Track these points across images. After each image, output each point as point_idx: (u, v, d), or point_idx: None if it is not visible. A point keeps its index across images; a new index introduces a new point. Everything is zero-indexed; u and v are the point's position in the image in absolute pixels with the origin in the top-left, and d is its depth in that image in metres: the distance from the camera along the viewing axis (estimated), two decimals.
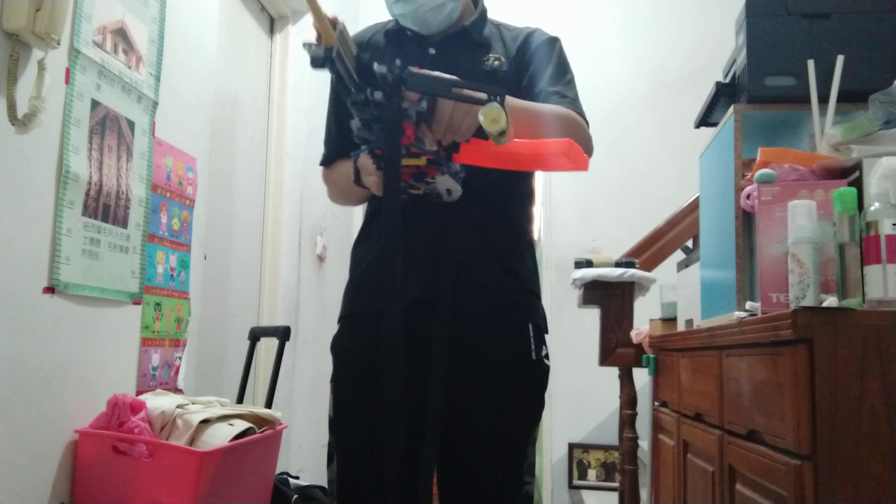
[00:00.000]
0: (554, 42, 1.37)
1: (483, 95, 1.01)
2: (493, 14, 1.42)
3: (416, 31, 1.33)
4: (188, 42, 2.08)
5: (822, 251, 1.15)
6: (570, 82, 1.34)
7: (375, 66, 0.98)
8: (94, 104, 1.64)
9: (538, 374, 1.27)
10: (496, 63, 1.31)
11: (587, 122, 1.31)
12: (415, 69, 1.01)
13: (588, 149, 1.29)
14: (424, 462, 1.15)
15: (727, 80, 1.75)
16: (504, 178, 1.24)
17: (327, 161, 1.42)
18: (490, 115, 0.99)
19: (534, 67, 1.33)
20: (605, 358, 2.38)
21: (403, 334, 1.05)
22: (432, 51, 1.33)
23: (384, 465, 1.09)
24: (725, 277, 1.51)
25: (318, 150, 1.44)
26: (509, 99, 1.07)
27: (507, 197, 1.30)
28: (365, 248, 1.34)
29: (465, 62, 1.29)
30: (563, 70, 1.34)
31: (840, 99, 1.44)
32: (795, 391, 1.01)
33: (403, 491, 1.17)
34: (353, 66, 0.98)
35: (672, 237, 2.53)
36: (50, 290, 1.51)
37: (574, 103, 1.30)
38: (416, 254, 1.21)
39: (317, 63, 0.93)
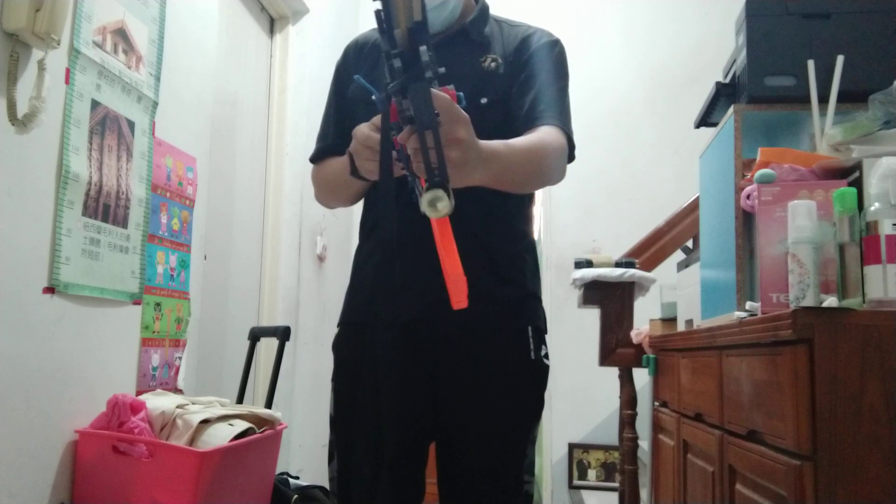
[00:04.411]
0: (553, 46, 1.31)
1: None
2: (493, 13, 1.40)
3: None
4: (188, 42, 2.08)
5: (822, 251, 1.15)
6: (561, 91, 1.28)
7: (422, 49, 0.86)
8: (94, 104, 1.64)
9: (537, 374, 1.27)
10: (493, 64, 1.28)
11: (570, 136, 1.25)
12: (438, 89, 0.92)
13: (554, 177, 1.24)
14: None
15: (727, 80, 1.75)
16: None
17: (320, 155, 1.36)
18: (429, 201, 0.88)
19: (526, 73, 1.28)
20: (605, 358, 2.38)
21: (401, 349, 1.06)
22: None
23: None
24: (725, 277, 1.51)
25: None
26: (488, 149, 1.01)
27: (505, 200, 1.26)
28: (365, 254, 1.33)
29: (464, 63, 1.27)
30: (556, 78, 1.28)
31: (840, 99, 1.44)
32: (795, 391, 1.01)
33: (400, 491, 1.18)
34: (407, 25, 0.85)
35: (672, 237, 2.53)
36: (50, 290, 1.51)
37: (558, 117, 1.24)
38: (412, 268, 1.20)
39: None
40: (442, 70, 0.93)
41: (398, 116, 0.95)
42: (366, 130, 1.09)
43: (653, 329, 2.24)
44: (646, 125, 3.66)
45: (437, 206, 0.87)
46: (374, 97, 0.99)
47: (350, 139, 1.13)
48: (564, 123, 1.24)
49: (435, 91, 0.92)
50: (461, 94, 0.98)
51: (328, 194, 1.38)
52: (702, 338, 1.53)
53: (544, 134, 1.20)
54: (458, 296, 0.93)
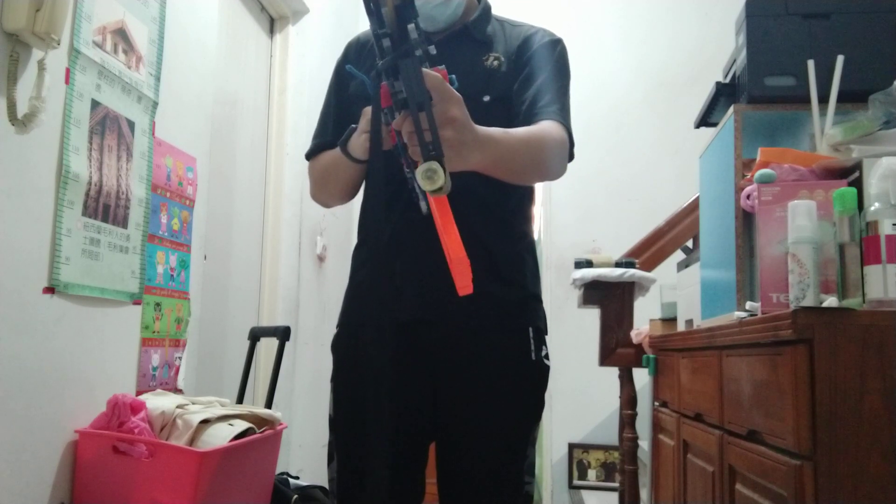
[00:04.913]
0: (555, 45, 1.31)
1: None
2: (494, 13, 1.41)
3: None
4: (188, 42, 2.08)
5: (822, 251, 1.15)
6: (563, 89, 1.28)
7: (410, 27, 0.87)
8: (94, 104, 1.64)
9: (538, 374, 1.27)
10: (495, 63, 1.29)
11: (570, 132, 1.24)
12: (430, 69, 0.92)
13: (554, 170, 1.23)
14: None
15: (727, 80, 1.75)
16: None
17: (317, 150, 1.34)
18: (425, 172, 0.87)
19: (528, 71, 1.28)
20: (605, 358, 2.38)
21: (401, 349, 1.06)
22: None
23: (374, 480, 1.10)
24: (725, 277, 1.51)
25: None
26: (484, 132, 1.01)
27: (505, 199, 1.27)
28: (363, 254, 1.33)
29: (466, 61, 1.27)
30: (557, 76, 1.28)
31: (840, 99, 1.44)
32: (795, 391, 1.01)
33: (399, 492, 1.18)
34: (394, 2, 0.85)
35: (672, 237, 2.53)
36: (50, 290, 1.51)
37: (559, 113, 1.23)
38: (412, 268, 1.20)
39: None
40: (432, 49, 0.93)
41: (391, 100, 0.94)
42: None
43: (653, 329, 2.24)
44: (646, 125, 3.66)
45: (432, 178, 0.86)
46: (366, 83, 1.00)
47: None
48: (565, 119, 1.24)
49: (426, 70, 0.91)
50: (453, 76, 0.97)
51: (323, 187, 1.36)
52: (702, 338, 1.53)
53: (544, 126, 1.20)
54: (463, 280, 0.91)
